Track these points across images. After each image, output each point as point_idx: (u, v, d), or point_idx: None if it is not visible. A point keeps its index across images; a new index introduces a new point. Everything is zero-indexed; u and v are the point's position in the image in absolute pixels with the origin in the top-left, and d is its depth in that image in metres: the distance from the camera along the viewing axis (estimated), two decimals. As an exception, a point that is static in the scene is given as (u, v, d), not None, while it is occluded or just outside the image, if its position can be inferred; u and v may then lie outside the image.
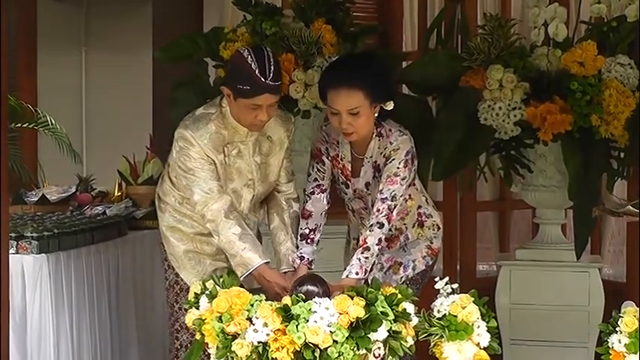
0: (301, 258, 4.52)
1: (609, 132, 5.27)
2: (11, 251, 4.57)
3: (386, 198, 4.43)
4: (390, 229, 4.54)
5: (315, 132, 5.75)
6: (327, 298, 3.74)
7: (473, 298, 3.88)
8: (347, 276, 4.33)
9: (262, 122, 4.40)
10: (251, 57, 4.30)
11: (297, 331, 3.60)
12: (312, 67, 5.57)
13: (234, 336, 3.69)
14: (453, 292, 3.94)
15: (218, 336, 3.72)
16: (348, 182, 4.64)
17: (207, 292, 3.90)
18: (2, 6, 3.85)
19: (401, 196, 4.48)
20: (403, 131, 4.55)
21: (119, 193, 6.07)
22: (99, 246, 5.23)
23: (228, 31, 5.63)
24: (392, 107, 4.48)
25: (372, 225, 4.43)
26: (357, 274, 4.32)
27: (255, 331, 3.64)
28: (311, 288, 3.85)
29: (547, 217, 5.82)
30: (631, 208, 4.31)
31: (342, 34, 5.75)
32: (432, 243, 4.76)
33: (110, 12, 8.27)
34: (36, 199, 5.84)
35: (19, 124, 7.42)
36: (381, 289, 3.84)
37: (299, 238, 4.59)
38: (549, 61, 5.46)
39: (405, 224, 4.72)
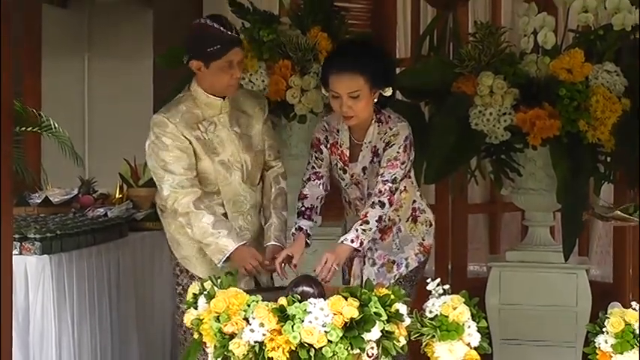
0: (299, 229, 4.55)
1: (596, 137, 5.28)
2: (15, 252, 4.55)
3: (387, 180, 4.48)
4: (384, 220, 4.55)
5: (311, 135, 5.76)
6: (322, 299, 3.72)
7: (464, 299, 3.87)
8: (342, 242, 4.39)
9: (237, 80, 4.46)
10: (209, 20, 4.39)
11: (293, 331, 3.59)
12: (309, 73, 5.57)
13: (232, 336, 3.68)
14: (445, 293, 3.93)
15: (216, 335, 3.71)
16: (346, 167, 4.67)
17: (205, 292, 3.88)
18: (2, 16, 3.84)
19: (401, 179, 4.53)
20: (401, 118, 4.63)
21: (120, 195, 6.06)
22: (100, 247, 5.22)
23: (227, 38, 5.61)
24: (390, 93, 4.55)
25: (373, 202, 4.47)
26: (352, 241, 4.37)
27: (252, 330, 3.63)
28: (306, 289, 3.84)
29: (536, 219, 5.82)
30: (619, 213, 4.31)
31: (338, 41, 5.74)
32: (423, 240, 4.77)
33: (112, 20, 8.29)
34: (39, 201, 5.83)
35: (23, 128, 7.40)
36: (375, 290, 3.82)
37: (296, 215, 4.62)
38: (538, 68, 5.47)
39: (398, 216, 4.72)
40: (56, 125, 7.65)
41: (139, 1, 7.92)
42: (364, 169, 4.63)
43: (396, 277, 4.69)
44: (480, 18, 6.31)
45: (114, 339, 5.35)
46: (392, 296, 3.79)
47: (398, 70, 6.25)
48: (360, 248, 4.43)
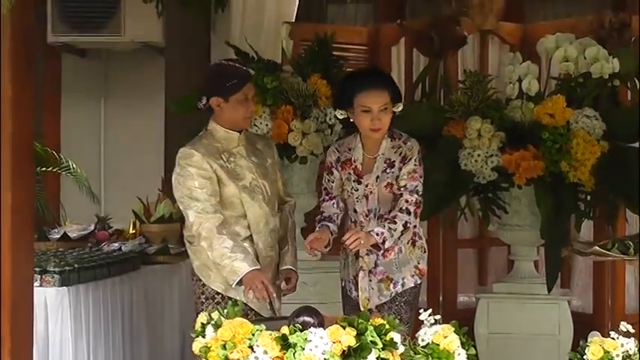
0: (322, 226, 4.67)
1: (577, 177, 5.30)
2: (35, 284, 4.56)
3: (412, 191, 4.60)
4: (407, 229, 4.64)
5: (311, 175, 5.79)
6: (321, 328, 3.72)
7: (454, 328, 3.86)
8: (369, 232, 4.50)
9: (253, 113, 4.67)
10: (224, 61, 4.64)
11: (294, 358, 3.58)
12: (309, 117, 5.60)
13: (237, 363, 3.68)
14: (436, 322, 3.93)
15: (222, 362, 3.71)
16: (361, 179, 4.71)
17: (212, 322, 3.88)
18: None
19: (421, 192, 4.65)
20: (409, 136, 4.76)
21: (133, 231, 6.05)
22: (115, 279, 5.21)
23: (233, 84, 5.63)
24: (400, 109, 4.67)
25: (400, 208, 4.59)
26: (377, 234, 4.48)
27: (256, 358, 3.61)
28: (307, 319, 3.84)
29: (521, 253, 5.83)
30: (597, 248, 4.30)
31: (334, 88, 5.76)
32: (418, 264, 4.78)
33: (127, 65, 8.32)
34: (58, 236, 5.83)
35: (43, 168, 7.42)
36: (371, 320, 3.82)
37: (317, 223, 4.72)
38: (523, 113, 5.49)
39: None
40: (74, 165, 7.66)
41: (152, 51, 7.96)
42: (377, 177, 4.68)
43: (392, 295, 4.72)
44: (468, 67, 6.32)
45: (126, 364, 5.34)
46: (387, 326, 3.79)
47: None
48: (380, 245, 4.51)
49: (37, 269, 4.67)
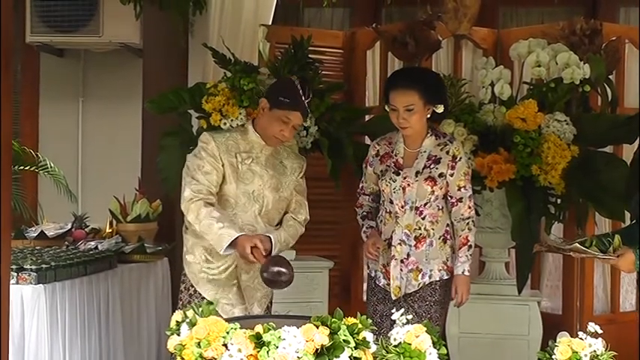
0: (370, 227, 4.84)
1: (548, 180, 5.33)
2: (12, 282, 4.53)
3: (470, 196, 4.80)
4: (419, 228, 4.75)
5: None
6: (294, 327, 3.73)
7: (426, 328, 3.88)
8: (462, 273, 4.75)
9: (284, 138, 4.59)
10: (297, 81, 4.62)
11: (268, 356, 3.58)
12: (285, 119, 5.58)
13: (212, 360, 3.68)
14: (408, 322, 3.94)
15: (197, 360, 3.70)
16: (400, 171, 4.78)
17: (187, 320, 3.88)
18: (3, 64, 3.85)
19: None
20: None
21: (110, 230, 6.03)
22: (91, 277, 5.18)
23: (210, 86, 5.63)
24: (442, 110, 4.73)
25: (467, 224, 4.78)
26: (468, 271, 4.75)
27: (231, 356, 3.62)
28: (282, 269, 3.91)
29: (492, 255, 5.85)
30: (578, 245, 4.32)
31: (312, 90, 5.76)
32: (447, 260, 4.83)
33: (105, 66, 8.30)
34: (35, 234, 5.80)
35: (21, 167, 7.39)
36: (344, 320, 3.83)
37: (360, 220, 4.92)
38: (495, 117, 5.52)
39: (433, 229, 4.80)
40: (52, 165, 7.64)
41: (130, 52, 7.94)
42: (417, 172, 4.74)
43: (419, 285, 4.79)
44: (442, 70, 6.35)
45: (102, 362, 5.32)
46: (359, 325, 3.80)
47: (367, 118, 6.30)
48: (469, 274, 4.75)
49: (13, 267, 4.64)
